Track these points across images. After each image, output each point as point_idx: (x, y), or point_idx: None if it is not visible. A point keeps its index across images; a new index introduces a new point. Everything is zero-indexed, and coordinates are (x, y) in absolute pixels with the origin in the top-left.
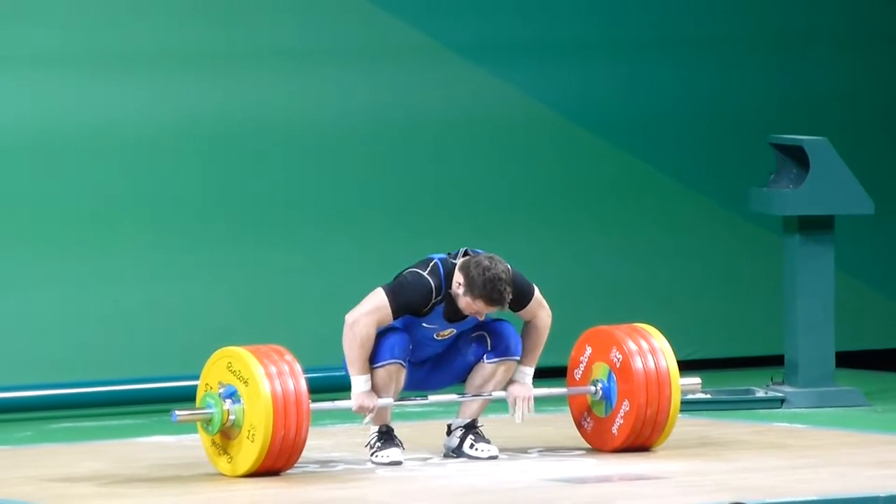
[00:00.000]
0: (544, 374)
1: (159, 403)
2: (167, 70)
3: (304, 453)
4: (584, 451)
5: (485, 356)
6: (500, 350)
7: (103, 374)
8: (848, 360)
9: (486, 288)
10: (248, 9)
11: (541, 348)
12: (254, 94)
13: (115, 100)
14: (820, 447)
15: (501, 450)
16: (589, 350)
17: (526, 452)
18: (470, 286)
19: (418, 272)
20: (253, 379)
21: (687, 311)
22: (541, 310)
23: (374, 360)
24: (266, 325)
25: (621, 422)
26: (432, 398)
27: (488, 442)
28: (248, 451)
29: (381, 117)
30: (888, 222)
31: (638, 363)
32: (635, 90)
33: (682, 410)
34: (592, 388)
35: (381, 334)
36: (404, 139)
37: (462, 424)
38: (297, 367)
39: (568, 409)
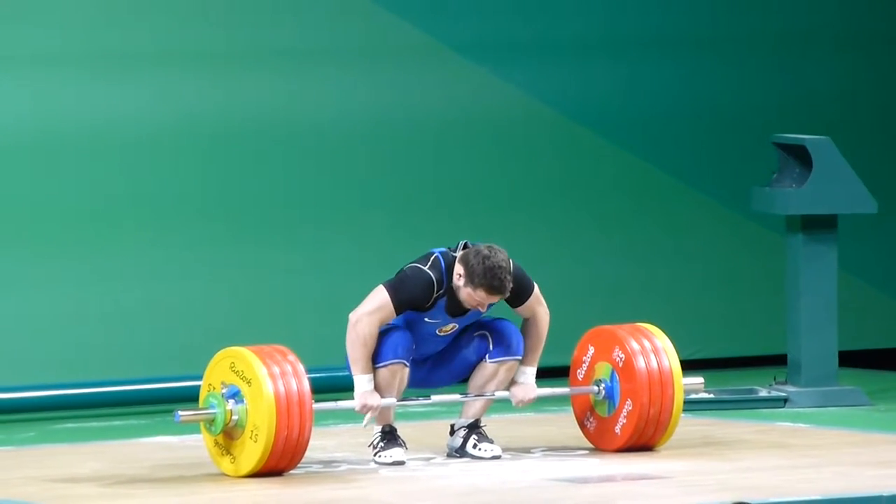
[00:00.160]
0: (547, 374)
1: (162, 404)
2: (167, 70)
3: (307, 453)
4: (587, 451)
5: (487, 355)
6: (502, 348)
7: (103, 374)
8: (851, 359)
9: (486, 276)
10: (248, 9)
11: (541, 347)
12: (254, 93)
13: (115, 100)
14: (823, 447)
15: (504, 449)
16: (592, 350)
17: (529, 452)
18: (470, 276)
19: (419, 267)
20: (256, 379)
21: (689, 310)
22: (540, 307)
23: (377, 359)
24: (267, 325)
25: (624, 421)
26: (435, 398)
27: (491, 442)
28: (252, 452)
29: (382, 117)
30: (891, 221)
31: (641, 363)
32: (636, 89)
33: (684, 410)
34: (595, 387)
35: (384, 333)
36: (404, 139)
37: (465, 424)
38: (300, 368)
39: (571, 408)
